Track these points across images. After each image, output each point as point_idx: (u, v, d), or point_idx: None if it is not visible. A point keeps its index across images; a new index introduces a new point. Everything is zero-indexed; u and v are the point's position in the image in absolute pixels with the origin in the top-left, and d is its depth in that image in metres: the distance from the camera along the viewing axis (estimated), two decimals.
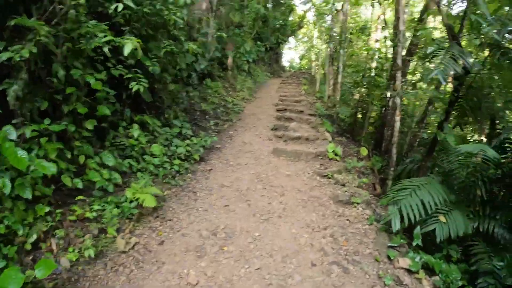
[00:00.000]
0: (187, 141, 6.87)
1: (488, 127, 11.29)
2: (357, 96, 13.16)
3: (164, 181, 5.76)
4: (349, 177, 6.51)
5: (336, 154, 7.37)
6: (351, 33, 13.77)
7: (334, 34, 13.26)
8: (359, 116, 12.42)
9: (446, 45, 5.08)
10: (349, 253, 4.23)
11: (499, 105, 6.78)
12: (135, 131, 5.70)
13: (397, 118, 7.16)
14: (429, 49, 5.19)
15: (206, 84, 11.14)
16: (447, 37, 5.28)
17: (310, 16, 22.70)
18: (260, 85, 16.49)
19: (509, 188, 5.27)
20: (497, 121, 7.07)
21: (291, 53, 66.65)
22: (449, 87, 10.81)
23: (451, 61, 4.46)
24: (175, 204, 5.22)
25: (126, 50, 4.42)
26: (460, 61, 4.62)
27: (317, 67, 28.93)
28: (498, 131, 6.58)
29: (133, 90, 5.04)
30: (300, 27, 23.71)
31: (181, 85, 8.89)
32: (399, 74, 7.36)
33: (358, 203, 5.49)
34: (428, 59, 5.78)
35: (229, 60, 12.31)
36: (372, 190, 7.51)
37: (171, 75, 8.27)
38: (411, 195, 4.63)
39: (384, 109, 10.76)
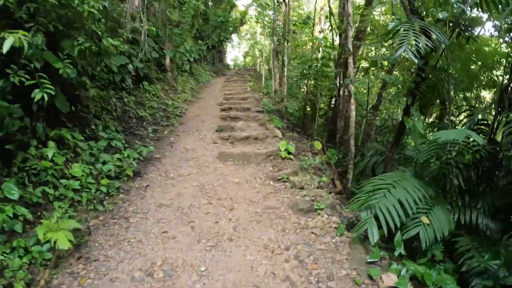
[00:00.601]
0: (118, 155, 5.64)
1: (437, 109, 11.03)
2: (304, 89, 12.43)
3: (88, 208, 4.69)
4: (306, 177, 5.65)
5: (289, 153, 6.51)
6: (294, 25, 12.95)
7: (277, 28, 12.38)
8: (308, 109, 11.64)
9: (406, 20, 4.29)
10: (322, 279, 3.35)
11: (456, 85, 6.12)
12: (49, 150, 4.53)
13: (353, 107, 6.46)
14: (390, 25, 4.37)
15: (143, 87, 9.85)
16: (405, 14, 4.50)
17: (252, 12, 21.81)
18: (204, 85, 15.37)
19: (487, 173, 4.57)
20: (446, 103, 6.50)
21: (235, 52, 66.04)
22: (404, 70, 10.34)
23: (418, 36, 3.64)
24: (103, 237, 4.19)
25: (6, 47, 3.28)
26: (423, 38, 3.79)
27: (261, 63, 28.30)
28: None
29: (36, 99, 3.92)
30: (242, 23, 22.75)
31: (111, 90, 7.61)
32: (351, 60, 6.62)
33: (321, 209, 4.64)
34: (390, 37, 4.95)
35: (167, 60, 11.08)
36: (332, 187, 6.70)
37: (100, 78, 7.00)
38: (385, 195, 3.82)
39: (334, 99, 10.05)
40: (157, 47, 11.51)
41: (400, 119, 5.04)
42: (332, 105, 10.54)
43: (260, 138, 7.48)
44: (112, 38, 5.59)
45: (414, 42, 3.59)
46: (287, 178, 5.58)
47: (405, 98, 5.11)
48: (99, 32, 5.72)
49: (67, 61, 4.77)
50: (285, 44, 13.08)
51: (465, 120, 5.69)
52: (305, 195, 5.04)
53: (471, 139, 4.07)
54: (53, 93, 4.12)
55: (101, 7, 5.07)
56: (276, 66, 13.06)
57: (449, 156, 4.52)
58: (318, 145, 8.39)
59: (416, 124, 4.54)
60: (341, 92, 9.39)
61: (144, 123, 8.27)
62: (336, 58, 9.85)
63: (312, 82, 10.98)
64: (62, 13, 4.92)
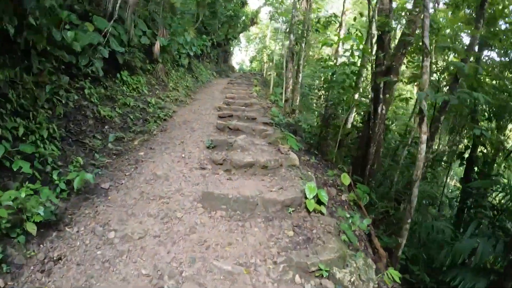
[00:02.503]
0: (21, 192, 2.92)
1: None
2: (321, 101, 9.77)
3: None
4: (359, 263, 2.89)
5: (319, 202, 3.76)
6: (317, 23, 10.30)
7: (296, 20, 9.73)
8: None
9: None
10: None
11: None
12: None
13: (424, 137, 3.75)
14: None
15: (120, 78, 7.22)
16: None
17: (264, 15, 19.20)
18: (203, 85, 12.70)
19: None
20: None
21: (242, 55, 63.60)
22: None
23: None
24: None
25: None
26: None
27: (268, 69, 25.71)
28: None
29: None
30: (253, 22, 20.05)
31: (64, 76, 4.99)
32: (427, 63, 3.96)
33: None
34: None
35: (156, 47, 8.41)
36: (368, 249, 4.12)
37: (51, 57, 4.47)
38: None
39: (366, 117, 7.41)
40: (149, 32, 8.87)
41: None
42: (365, 124, 7.87)
43: (270, 166, 4.82)
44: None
45: None
46: (328, 272, 2.85)
47: None
48: None
49: None
50: (303, 45, 10.49)
51: None
52: None
53: None
54: None
55: None
56: (290, 69, 10.41)
57: None
58: (345, 179, 5.78)
59: None
60: (379, 110, 6.77)
61: (105, 127, 5.59)
62: (372, 65, 7.21)
63: (336, 93, 8.33)
64: None
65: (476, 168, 8.19)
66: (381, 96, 6.74)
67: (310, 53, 13.90)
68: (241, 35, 24.43)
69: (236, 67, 28.01)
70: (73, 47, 5.25)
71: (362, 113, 8.60)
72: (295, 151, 5.98)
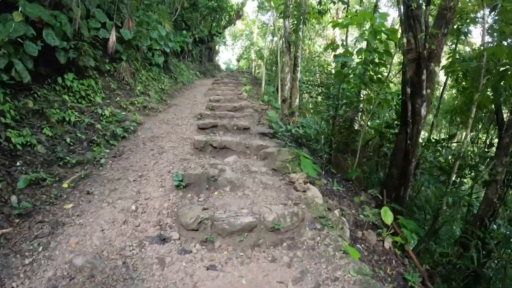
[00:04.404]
0: None
1: None
2: (327, 102, 7.63)
3: None
4: None
5: None
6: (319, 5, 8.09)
7: (292, 1, 7.58)
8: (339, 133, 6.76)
9: None
10: None
11: None
12: None
13: None
14: None
15: (63, 83, 4.98)
16: None
17: (250, 10, 16.88)
18: (183, 87, 10.44)
19: None
20: None
21: (228, 54, 61.11)
22: None
23: None
24: None
25: None
26: None
27: (257, 67, 23.42)
28: None
29: None
30: (239, 16, 17.67)
31: None
32: None
33: None
34: None
35: (111, 40, 6.12)
36: None
37: None
38: None
39: (400, 121, 5.31)
40: (110, 24, 6.62)
41: None
42: (399, 133, 5.75)
43: (285, 227, 2.63)
44: None
45: None
46: None
47: None
48: None
49: None
50: (300, 34, 8.30)
51: None
52: None
53: None
54: None
55: None
56: (287, 63, 8.21)
57: None
58: (387, 216, 3.80)
59: None
60: (422, 111, 4.65)
61: (17, 163, 3.35)
62: (404, 54, 5.08)
63: (349, 88, 6.15)
64: None
65: None
66: (424, 91, 4.62)
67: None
68: (226, 31, 22.09)
69: (223, 66, 25.58)
70: None
71: (385, 114, 6.45)
72: (314, 182, 3.84)
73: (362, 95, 7.43)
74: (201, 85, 11.35)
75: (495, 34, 5.36)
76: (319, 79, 12.85)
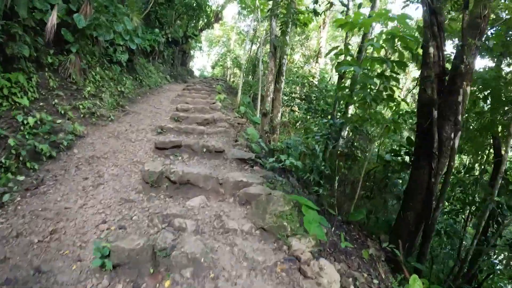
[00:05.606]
0: None
1: None
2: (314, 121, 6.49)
3: None
4: None
5: None
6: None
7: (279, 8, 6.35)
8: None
9: None
10: None
11: None
12: None
13: None
14: None
15: None
16: None
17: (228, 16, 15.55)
18: (149, 91, 8.90)
19: None
20: None
21: (203, 61, 59.11)
22: None
23: None
24: None
25: None
26: None
27: (233, 76, 22.02)
28: None
29: None
30: (218, 19, 16.24)
31: None
32: None
33: None
34: None
35: (51, 19, 4.60)
36: None
37: None
38: None
39: (418, 148, 4.11)
40: (64, 8, 5.12)
41: None
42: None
43: None
44: None
45: None
46: None
47: None
48: None
49: None
50: (287, 38, 7.06)
51: None
52: None
53: None
54: None
55: None
56: (271, 70, 6.91)
57: None
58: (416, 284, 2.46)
59: None
60: (456, 143, 3.46)
61: None
62: (423, 67, 3.91)
63: (356, 109, 4.90)
64: None
65: None
66: (459, 117, 3.44)
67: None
68: (203, 35, 20.62)
69: (197, 72, 23.97)
70: None
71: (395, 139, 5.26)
72: (324, 248, 2.53)
73: (349, 113, 6.29)
74: (170, 90, 9.85)
75: None
76: (299, 92, 11.72)
